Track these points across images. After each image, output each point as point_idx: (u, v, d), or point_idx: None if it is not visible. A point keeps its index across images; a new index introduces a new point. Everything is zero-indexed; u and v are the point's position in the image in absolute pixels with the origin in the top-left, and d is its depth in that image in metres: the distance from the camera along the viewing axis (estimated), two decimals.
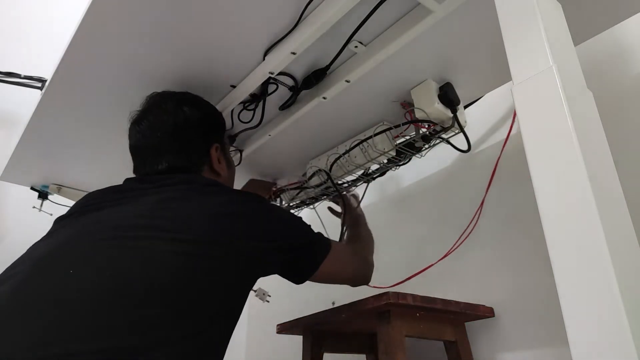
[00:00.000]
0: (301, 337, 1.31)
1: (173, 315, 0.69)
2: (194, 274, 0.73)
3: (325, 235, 1.01)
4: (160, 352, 0.66)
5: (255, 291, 1.46)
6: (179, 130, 0.95)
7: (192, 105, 1.00)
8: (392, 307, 1.02)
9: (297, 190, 1.43)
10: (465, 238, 1.30)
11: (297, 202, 1.49)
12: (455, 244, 1.30)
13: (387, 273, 1.45)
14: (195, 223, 0.77)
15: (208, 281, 0.75)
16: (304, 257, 0.94)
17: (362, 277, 1.10)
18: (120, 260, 0.71)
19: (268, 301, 1.48)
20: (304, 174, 1.42)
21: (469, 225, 1.30)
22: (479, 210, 1.30)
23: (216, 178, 0.98)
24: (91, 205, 0.87)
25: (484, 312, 1.17)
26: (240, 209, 0.86)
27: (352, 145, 1.25)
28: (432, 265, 1.35)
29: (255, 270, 0.86)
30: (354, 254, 1.11)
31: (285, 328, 1.30)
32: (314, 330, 1.28)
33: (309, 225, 0.97)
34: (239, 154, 1.25)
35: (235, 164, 1.19)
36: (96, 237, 0.76)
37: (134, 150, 0.97)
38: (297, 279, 0.97)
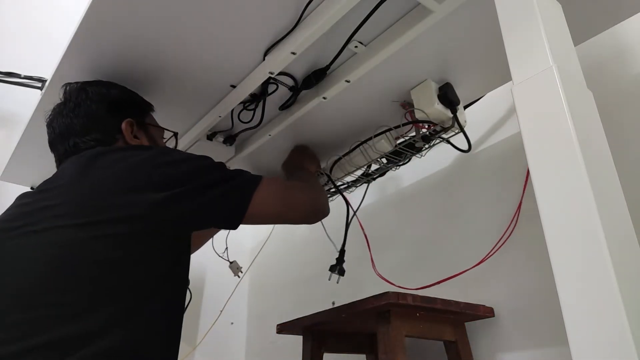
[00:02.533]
0: (301, 337, 1.31)
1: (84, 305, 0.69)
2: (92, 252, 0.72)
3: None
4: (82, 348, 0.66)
5: (231, 263, 1.47)
6: (81, 108, 0.91)
7: (96, 85, 0.96)
8: (392, 307, 1.02)
9: None
10: (504, 243, 1.23)
11: None
12: (492, 249, 1.24)
13: (387, 273, 1.45)
14: (77, 197, 0.76)
15: (113, 255, 0.72)
16: (227, 194, 0.83)
17: (313, 208, 0.99)
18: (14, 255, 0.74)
19: (240, 276, 1.50)
20: None
21: (507, 229, 1.24)
22: (517, 213, 1.23)
23: None
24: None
25: (484, 312, 1.17)
26: (122, 164, 0.80)
27: (352, 147, 1.25)
28: (467, 270, 1.27)
29: (172, 227, 0.78)
30: (294, 185, 0.98)
31: (285, 328, 1.30)
32: (314, 330, 1.28)
33: (223, 163, 0.88)
34: (174, 139, 1.12)
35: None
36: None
37: (50, 146, 0.94)
38: (230, 222, 0.86)
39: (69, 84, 0.96)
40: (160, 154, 0.83)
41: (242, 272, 1.52)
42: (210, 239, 1.44)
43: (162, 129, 1.06)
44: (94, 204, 0.74)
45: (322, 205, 1.01)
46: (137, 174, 0.78)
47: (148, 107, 1.03)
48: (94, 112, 0.92)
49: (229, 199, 0.84)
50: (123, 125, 0.93)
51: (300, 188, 1.00)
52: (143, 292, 0.74)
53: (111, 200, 0.74)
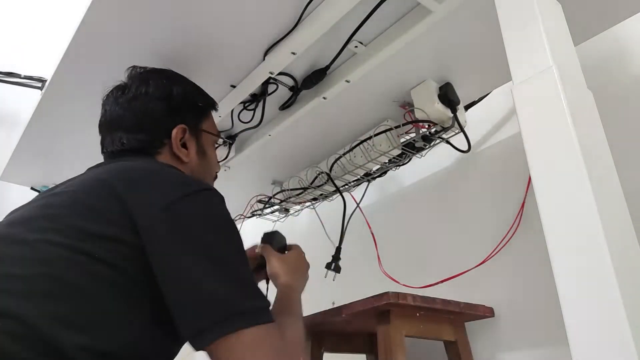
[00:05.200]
0: None
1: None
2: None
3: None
4: None
5: None
6: (137, 102, 0.84)
7: (160, 77, 0.89)
8: (392, 307, 1.02)
9: (299, 191, 1.43)
10: (506, 243, 1.22)
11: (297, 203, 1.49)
12: (495, 249, 1.24)
13: (387, 272, 1.45)
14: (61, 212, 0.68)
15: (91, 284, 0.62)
16: (205, 295, 0.62)
17: None
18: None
19: None
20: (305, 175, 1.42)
21: (510, 229, 1.24)
22: (520, 213, 1.22)
23: (178, 165, 0.84)
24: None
25: (484, 312, 1.17)
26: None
27: (352, 146, 1.25)
28: (470, 269, 1.26)
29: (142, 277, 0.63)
30: (284, 348, 0.67)
31: None
32: (314, 330, 1.28)
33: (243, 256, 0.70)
34: (228, 147, 1.07)
35: (224, 158, 1.08)
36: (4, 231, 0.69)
37: (99, 128, 0.87)
38: (188, 333, 0.63)
39: (135, 67, 0.89)
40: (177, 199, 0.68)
41: None
42: None
43: (217, 136, 0.96)
44: (81, 226, 0.66)
45: None
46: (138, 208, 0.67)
47: (211, 106, 0.94)
48: (149, 111, 0.85)
49: (201, 307, 0.62)
50: (174, 131, 0.85)
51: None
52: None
53: (97, 227, 0.65)
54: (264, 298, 0.68)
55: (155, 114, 0.85)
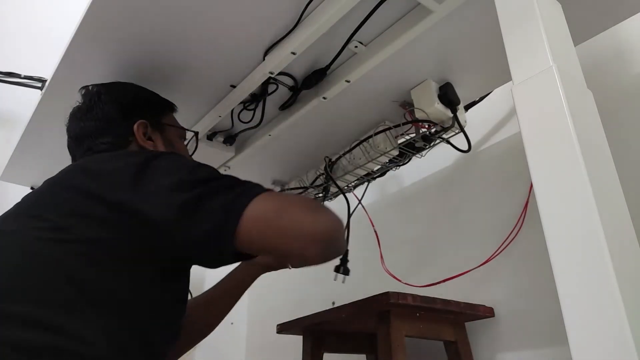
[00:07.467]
0: (301, 337, 1.31)
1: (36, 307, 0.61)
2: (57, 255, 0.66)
3: None
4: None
5: None
6: (93, 111, 0.90)
7: (111, 87, 0.95)
8: (392, 307, 1.02)
9: (299, 191, 1.43)
10: (509, 243, 1.22)
11: None
12: (498, 249, 1.24)
13: (387, 273, 1.45)
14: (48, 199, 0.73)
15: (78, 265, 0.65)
16: (213, 203, 0.66)
17: (328, 240, 0.68)
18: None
19: None
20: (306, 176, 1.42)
21: (513, 229, 1.23)
22: (523, 214, 1.22)
23: None
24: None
25: (484, 312, 1.17)
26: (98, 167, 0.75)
27: (352, 146, 1.25)
28: (471, 270, 1.25)
29: (139, 239, 0.68)
30: (308, 205, 0.70)
31: (285, 328, 1.30)
32: (314, 330, 1.28)
33: (218, 172, 0.75)
34: (194, 138, 1.08)
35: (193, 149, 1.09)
36: None
37: (68, 150, 0.92)
38: (214, 248, 0.67)
39: (86, 87, 0.94)
40: (147, 160, 0.75)
41: None
42: None
43: (182, 129, 1.01)
44: (63, 207, 0.71)
45: (341, 240, 0.73)
46: (113, 178, 0.72)
47: (167, 107, 1.00)
48: (106, 115, 0.90)
49: (212, 209, 0.66)
50: (135, 127, 0.90)
51: (322, 213, 0.71)
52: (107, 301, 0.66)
53: (76, 203, 0.70)
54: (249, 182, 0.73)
55: (112, 116, 0.90)
